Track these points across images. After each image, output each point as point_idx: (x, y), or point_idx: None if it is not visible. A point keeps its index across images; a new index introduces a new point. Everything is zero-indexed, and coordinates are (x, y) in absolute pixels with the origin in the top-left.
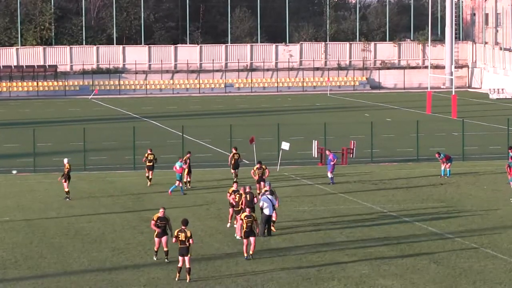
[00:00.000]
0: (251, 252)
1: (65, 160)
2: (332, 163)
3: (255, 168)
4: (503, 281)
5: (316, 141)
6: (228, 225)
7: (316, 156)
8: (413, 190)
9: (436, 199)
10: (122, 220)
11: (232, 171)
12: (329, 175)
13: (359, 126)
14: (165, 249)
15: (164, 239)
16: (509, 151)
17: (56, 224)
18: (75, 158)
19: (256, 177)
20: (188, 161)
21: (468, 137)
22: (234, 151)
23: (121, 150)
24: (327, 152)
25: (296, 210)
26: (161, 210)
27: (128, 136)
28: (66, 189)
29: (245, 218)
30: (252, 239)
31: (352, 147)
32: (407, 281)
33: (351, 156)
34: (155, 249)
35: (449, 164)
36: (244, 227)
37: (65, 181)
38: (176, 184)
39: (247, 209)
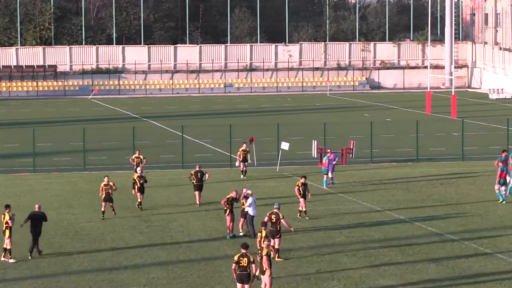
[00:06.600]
0: None
1: (138, 169)
2: (334, 162)
3: (299, 183)
4: (503, 281)
5: (315, 141)
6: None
7: (315, 156)
8: (413, 190)
9: (436, 199)
10: (121, 220)
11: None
12: (330, 175)
13: (358, 126)
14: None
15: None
16: (503, 155)
17: (56, 224)
18: (75, 158)
19: (300, 193)
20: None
21: (467, 137)
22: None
23: (121, 150)
24: (328, 152)
25: (296, 210)
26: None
27: (127, 136)
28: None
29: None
30: (265, 278)
31: (351, 147)
32: (406, 281)
33: (351, 156)
34: None
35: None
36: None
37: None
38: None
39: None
